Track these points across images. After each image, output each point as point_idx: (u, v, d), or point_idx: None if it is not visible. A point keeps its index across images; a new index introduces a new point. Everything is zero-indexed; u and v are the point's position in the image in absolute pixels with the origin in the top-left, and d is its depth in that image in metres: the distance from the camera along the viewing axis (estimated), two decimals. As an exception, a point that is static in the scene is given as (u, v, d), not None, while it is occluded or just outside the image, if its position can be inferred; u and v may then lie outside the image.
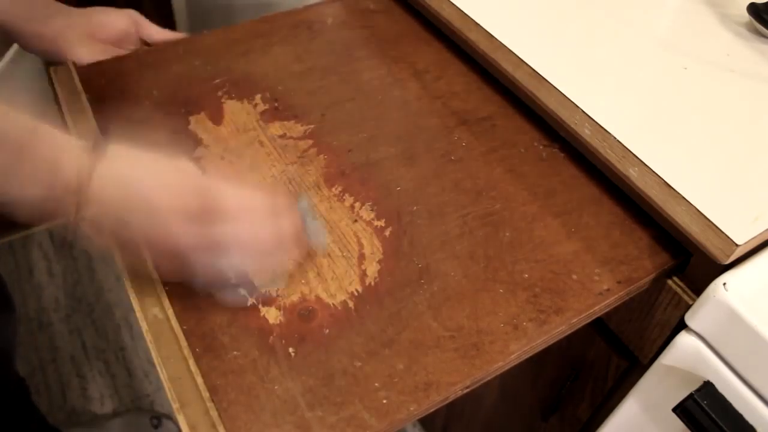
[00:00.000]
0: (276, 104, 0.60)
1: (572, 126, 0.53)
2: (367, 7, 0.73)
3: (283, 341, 0.43)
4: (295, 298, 0.45)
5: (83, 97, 0.57)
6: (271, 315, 0.44)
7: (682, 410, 0.47)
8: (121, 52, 0.64)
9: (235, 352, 0.42)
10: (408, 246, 0.49)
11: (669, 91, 0.55)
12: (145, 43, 0.67)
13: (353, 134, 0.58)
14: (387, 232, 0.50)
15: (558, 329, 0.45)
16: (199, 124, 0.57)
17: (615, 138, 0.50)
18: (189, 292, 0.45)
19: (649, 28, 0.62)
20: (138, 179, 0.39)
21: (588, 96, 0.53)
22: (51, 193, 0.37)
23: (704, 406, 0.46)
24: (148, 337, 0.42)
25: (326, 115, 0.59)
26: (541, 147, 0.58)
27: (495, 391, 0.82)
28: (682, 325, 0.49)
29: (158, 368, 0.41)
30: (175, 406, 0.39)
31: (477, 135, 0.58)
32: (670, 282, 0.51)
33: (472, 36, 0.61)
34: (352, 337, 0.43)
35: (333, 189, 0.53)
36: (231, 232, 0.41)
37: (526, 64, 0.56)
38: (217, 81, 0.62)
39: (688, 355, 0.48)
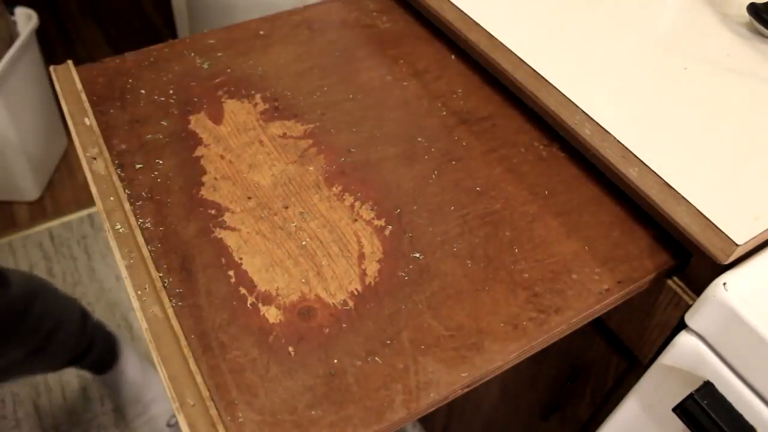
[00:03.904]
0: (276, 104, 0.60)
1: (572, 126, 0.54)
2: (367, 7, 0.73)
3: (283, 340, 0.43)
4: (294, 297, 0.45)
5: (83, 97, 0.57)
6: (271, 314, 0.44)
7: (682, 410, 0.47)
8: None
9: (235, 352, 0.42)
10: (408, 245, 0.49)
11: (669, 91, 0.55)
12: None
13: (353, 134, 0.58)
14: (387, 232, 0.50)
15: (558, 329, 0.45)
16: (199, 123, 0.57)
17: (615, 138, 0.50)
18: (189, 290, 0.45)
19: (649, 28, 0.62)
20: None
21: (588, 96, 0.53)
22: None
23: (704, 406, 0.46)
24: (147, 337, 0.42)
25: (326, 115, 0.59)
26: (541, 147, 0.58)
27: (495, 391, 0.82)
28: (682, 325, 0.49)
29: (158, 367, 0.41)
30: (174, 405, 0.39)
31: (477, 135, 0.58)
32: (670, 282, 0.51)
33: (472, 36, 0.61)
34: (351, 336, 0.43)
35: (333, 188, 0.53)
36: None
37: (526, 64, 0.56)
38: (217, 80, 0.62)
39: (688, 355, 0.48)
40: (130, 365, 1.15)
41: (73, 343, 1.01)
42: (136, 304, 0.44)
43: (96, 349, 1.07)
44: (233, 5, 1.50)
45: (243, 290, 0.45)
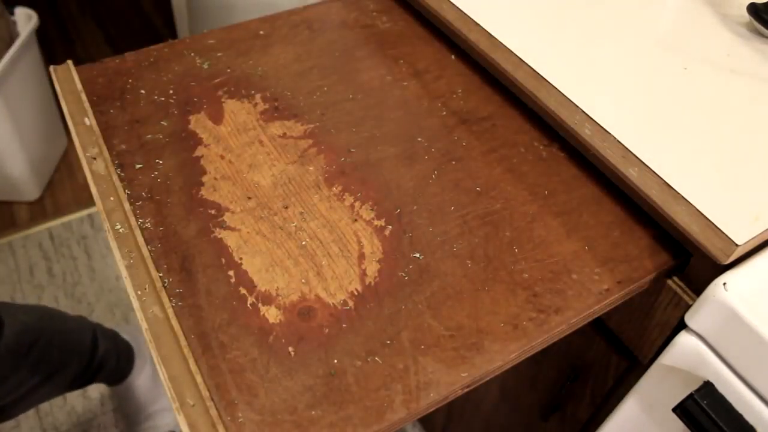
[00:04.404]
0: (276, 104, 0.60)
1: (572, 126, 0.54)
2: (367, 7, 0.73)
3: (283, 340, 0.43)
4: (294, 297, 0.45)
5: (83, 96, 0.57)
6: (271, 314, 0.44)
7: (682, 410, 0.47)
8: None
9: (235, 352, 0.42)
10: (408, 245, 0.49)
11: (669, 91, 0.55)
12: None
13: (353, 134, 0.58)
14: (387, 232, 0.50)
15: (558, 329, 0.45)
16: (199, 123, 0.58)
17: (615, 138, 0.50)
18: (189, 290, 0.45)
19: (649, 28, 0.62)
20: None
21: (588, 96, 0.53)
22: None
23: (704, 406, 0.46)
24: (147, 337, 0.42)
25: (326, 115, 0.59)
26: (541, 147, 0.58)
27: (495, 391, 0.82)
28: (682, 325, 0.49)
29: (158, 367, 0.41)
30: (174, 405, 0.39)
31: (477, 135, 0.58)
32: (670, 282, 0.51)
33: (472, 36, 0.61)
34: (351, 336, 0.43)
35: (333, 188, 0.53)
36: None
37: (526, 64, 0.56)
38: (217, 80, 0.62)
39: (687, 355, 0.48)
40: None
41: (81, 373, 1.01)
42: (136, 304, 0.44)
43: (105, 371, 1.06)
44: (233, 5, 1.50)
45: (243, 290, 0.45)
